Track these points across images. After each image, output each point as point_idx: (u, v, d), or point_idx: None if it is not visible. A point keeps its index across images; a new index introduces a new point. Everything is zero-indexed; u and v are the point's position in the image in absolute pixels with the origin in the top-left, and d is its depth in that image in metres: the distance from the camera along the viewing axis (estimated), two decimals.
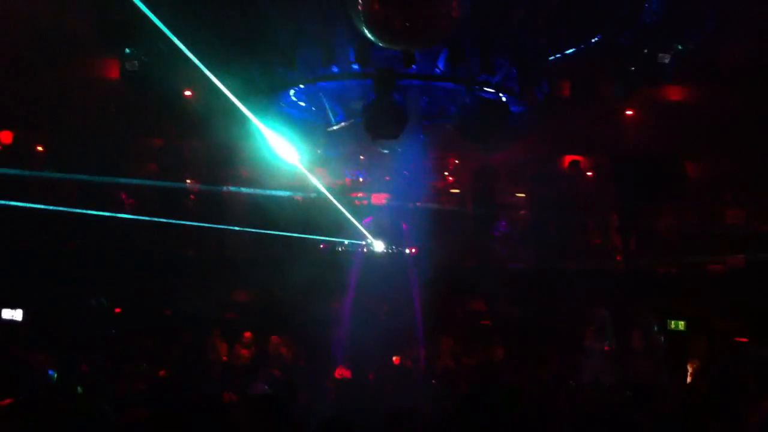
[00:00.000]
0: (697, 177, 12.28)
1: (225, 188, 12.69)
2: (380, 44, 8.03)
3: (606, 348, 9.51)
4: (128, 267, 11.64)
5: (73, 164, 11.23)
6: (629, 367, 9.55)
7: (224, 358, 11.33)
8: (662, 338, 9.82)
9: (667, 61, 8.38)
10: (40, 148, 12.72)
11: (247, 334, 11.39)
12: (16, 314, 12.31)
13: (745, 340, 10.55)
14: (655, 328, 9.90)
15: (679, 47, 8.67)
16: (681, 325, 11.58)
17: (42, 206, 10.53)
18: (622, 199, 12.51)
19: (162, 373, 9.30)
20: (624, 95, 9.03)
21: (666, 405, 6.83)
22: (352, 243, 13.62)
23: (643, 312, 10.01)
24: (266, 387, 8.29)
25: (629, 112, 11.32)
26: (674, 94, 10.65)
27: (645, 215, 12.45)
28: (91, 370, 9.08)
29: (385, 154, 12.15)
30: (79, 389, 7.76)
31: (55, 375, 8.13)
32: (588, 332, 9.68)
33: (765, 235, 11.25)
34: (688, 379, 9.16)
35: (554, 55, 8.89)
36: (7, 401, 6.37)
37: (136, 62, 8.88)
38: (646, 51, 8.33)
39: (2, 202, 9.85)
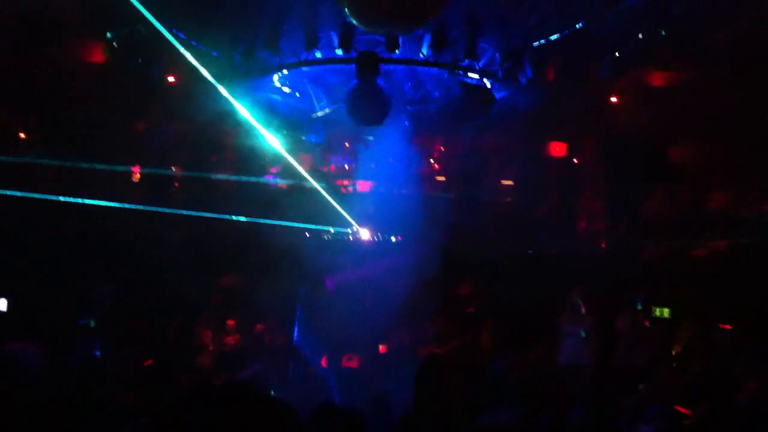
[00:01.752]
0: (684, 161, 12.29)
1: (209, 175, 12.62)
2: (364, 27, 8.01)
3: (582, 329, 9.54)
4: (115, 254, 11.58)
5: (56, 149, 11.15)
6: (613, 350, 9.59)
7: (210, 347, 11.29)
8: (647, 322, 9.85)
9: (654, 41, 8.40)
10: (22, 135, 12.59)
11: (231, 322, 11.34)
12: (0, 304, 12.22)
13: (728, 327, 10.61)
14: (640, 312, 9.94)
15: (662, 32, 8.68)
16: (666, 312, 11.63)
17: (24, 193, 10.44)
18: (608, 182, 12.54)
19: (149, 362, 9.26)
20: (610, 78, 9.02)
21: (649, 388, 6.86)
22: (338, 230, 13.60)
23: (627, 296, 10.05)
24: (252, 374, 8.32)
25: (614, 98, 11.29)
26: (661, 77, 10.63)
27: (631, 199, 12.47)
28: (81, 359, 9.04)
29: (370, 140, 12.12)
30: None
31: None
32: (564, 314, 9.72)
33: (750, 219, 11.29)
34: (673, 364, 9.21)
35: (540, 39, 8.86)
36: None
37: (116, 45, 8.80)
38: (631, 33, 8.32)
39: None
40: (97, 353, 9.58)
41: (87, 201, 11.06)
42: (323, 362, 11.11)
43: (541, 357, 9.28)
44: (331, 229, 13.42)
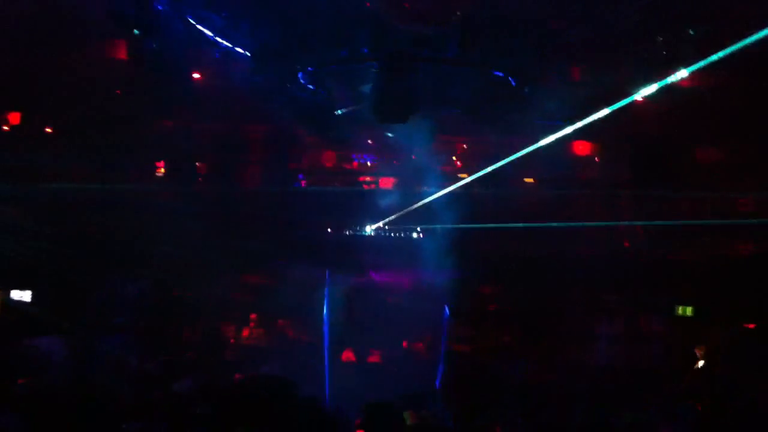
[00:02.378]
0: (709, 162, 12.20)
1: (237, 171, 12.69)
2: (391, 25, 8.01)
3: (615, 332, 9.54)
4: (137, 249, 11.68)
5: (83, 145, 11.25)
6: (639, 351, 9.57)
7: (232, 340, 11.40)
8: (672, 323, 9.83)
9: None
10: (48, 130, 12.71)
11: (253, 316, 11.46)
12: (24, 295, 12.36)
13: (752, 326, 10.55)
14: (665, 314, 9.91)
15: (691, 32, 8.60)
16: (689, 310, 11.58)
17: (52, 187, 10.56)
18: (632, 183, 12.45)
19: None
20: (638, 78, 8.95)
21: (676, 388, 6.84)
22: (362, 226, 13.62)
23: (653, 298, 10.02)
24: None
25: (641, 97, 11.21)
26: (688, 78, 10.54)
27: (656, 200, 12.39)
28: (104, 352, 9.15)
29: (394, 138, 12.11)
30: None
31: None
32: (598, 317, 9.71)
33: None
34: (698, 364, 9.17)
35: (567, 37, 8.80)
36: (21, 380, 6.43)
37: (145, 43, 8.86)
38: (659, 35, 8.26)
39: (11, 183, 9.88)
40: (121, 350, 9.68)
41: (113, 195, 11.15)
42: (344, 357, 11.17)
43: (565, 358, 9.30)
44: (356, 226, 13.45)
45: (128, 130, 11.27)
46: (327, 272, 11.48)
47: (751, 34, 6.89)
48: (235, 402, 4.29)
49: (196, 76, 10.61)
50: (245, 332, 11.30)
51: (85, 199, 11.04)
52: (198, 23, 8.78)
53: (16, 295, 12.36)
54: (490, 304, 11.87)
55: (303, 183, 13.16)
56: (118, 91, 10.57)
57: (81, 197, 10.99)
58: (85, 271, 11.04)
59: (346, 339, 10.89)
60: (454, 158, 14.10)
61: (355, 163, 13.93)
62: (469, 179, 11.99)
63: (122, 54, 9.76)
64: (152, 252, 11.58)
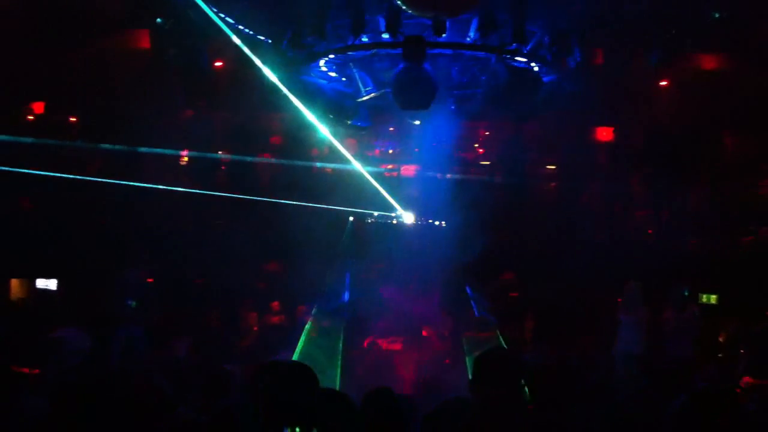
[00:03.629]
0: (731, 150, 12.06)
1: (255, 159, 12.74)
2: (410, 11, 7.98)
3: (636, 319, 9.45)
4: (161, 237, 11.78)
5: (106, 134, 11.36)
6: (661, 340, 9.51)
7: (255, 327, 11.47)
8: (695, 312, 9.73)
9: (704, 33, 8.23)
10: (72, 119, 12.84)
11: (275, 304, 11.52)
12: (50, 283, 12.52)
13: None
14: (689, 303, 9.81)
15: (716, 15, 8.49)
16: (713, 298, 11.47)
17: (75, 176, 10.65)
18: (654, 171, 12.35)
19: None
20: (658, 65, 8.85)
21: (698, 378, 6.78)
22: (382, 215, 13.62)
23: (674, 286, 9.92)
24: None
25: (663, 83, 11.11)
26: (709, 65, 10.43)
27: (678, 188, 12.28)
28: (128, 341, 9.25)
29: (415, 125, 12.08)
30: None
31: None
32: (619, 304, 9.63)
33: None
34: (720, 355, 9.10)
35: (589, 21, 8.72)
36: (36, 371, 6.51)
37: (167, 32, 8.93)
38: (681, 18, 8.16)
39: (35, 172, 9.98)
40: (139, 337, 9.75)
41: (131, 183, 11.23)
42: (365, 344, 11.18)
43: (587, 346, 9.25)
44: (376, 213, 13.45)
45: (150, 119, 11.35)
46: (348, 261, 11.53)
47: None
48: (255, 390, 4.27)
49: (218, 64, 10.67)
50: (265, 319, 11.37)
51: (105, 190, 11.14)
52: (220, 10, 8.82)
53: (41, 283, 12.52)
54: (511, 292, 11.82)
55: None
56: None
57: (101, 188, 11.08)
58: (104, 260, 11.16)
59: (368, 326, 10.90)
60: (476, 145, 14.09)
61: (378, 151, 13.96)
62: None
63: (145, 43, 9.82)
64: (173, 241, 11.69)
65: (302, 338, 9.63)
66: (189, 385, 5.66)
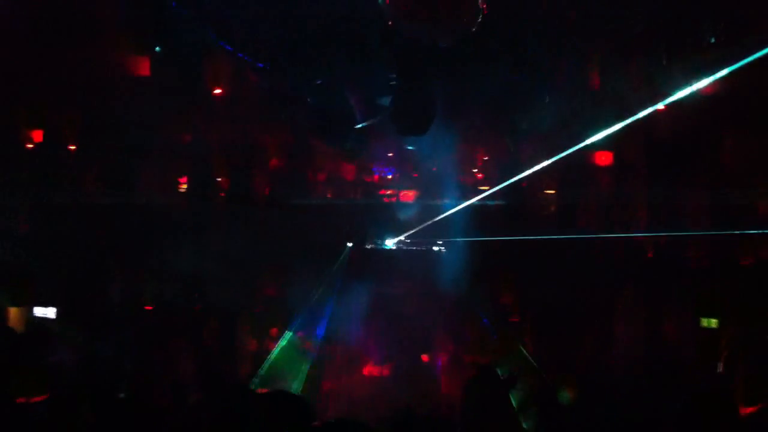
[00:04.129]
0: (729, 160, 12.02)
1: (253, 181, 12.74)
2: (407, 36, 8.02)
3: (634, 329, 9.42)
4: (158, 264, 11.76)
5: (105, 160, 11.36)
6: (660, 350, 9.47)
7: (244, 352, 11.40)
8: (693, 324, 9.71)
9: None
10: (72, 147, 12.86)
11: (274, 330, 11.47)
12: (48, 312, 12.45)
13: None
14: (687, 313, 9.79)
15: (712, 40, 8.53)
16: (713, 322, 11.41)
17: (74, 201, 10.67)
18: (653, 185, 12.31)
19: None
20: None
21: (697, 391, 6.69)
22: (380, 241, 13.63)
23: (673, 297, 9.91)
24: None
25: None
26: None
27: (676, 202, 12.24)
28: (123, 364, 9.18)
29: (413, 150, 12.12)
30: None
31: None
32: (616, 315, 9.60)
33: None
34: (720, 369, 9.04)
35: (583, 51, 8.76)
36: (40, 398, 6.46)
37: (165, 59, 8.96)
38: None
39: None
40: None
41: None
42: (365, 371, 11.13)
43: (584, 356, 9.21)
44: (376, 239, 13.45)
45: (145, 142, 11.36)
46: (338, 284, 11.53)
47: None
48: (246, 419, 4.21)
49: (217, 91, 10.72)
50: (257, 343, 11.32)
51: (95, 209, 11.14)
52: (216, 36, 8.86)
53: (39, 311, 12.46)
54: (511, 315, 11.79)
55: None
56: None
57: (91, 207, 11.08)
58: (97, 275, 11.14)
59: (360, 351, 10.87)
60: (475, 170, 14.09)
61: (376, 176, 13.97)
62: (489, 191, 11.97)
63: (144, 70, 9.85)
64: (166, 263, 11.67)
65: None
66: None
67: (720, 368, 8.94)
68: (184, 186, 12.77)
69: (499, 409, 3.75)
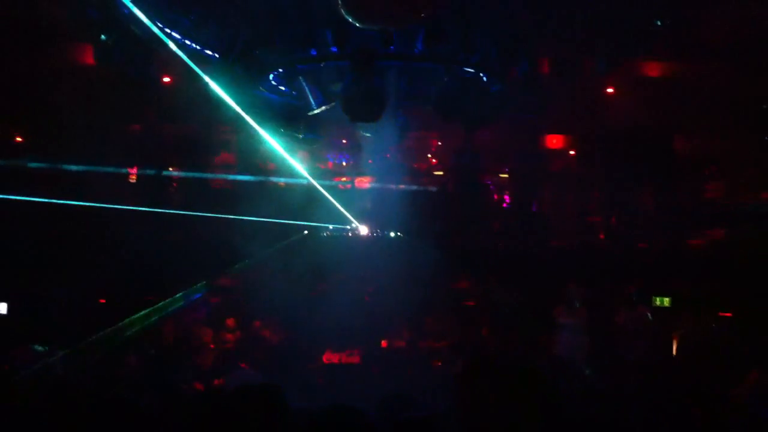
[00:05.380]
0: (680, 153, 12.30)
1: (207, 175, 12.62)
2: (358, 24, 7.97)
3: (576, 322, 9.50)
4: (111, 256, 11.58)
5: (53, 153, 11.14)
6: (613, 343, 9.59)
7: (212, 345, 11.30)
8: (648, 314, 9.84)
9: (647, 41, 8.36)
10: (19, 139, 12.59)
11: (230, 321, 11.38)
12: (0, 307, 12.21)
13: (728, 314, 10.64)
14: (640, 305, 9.92)
15: (658, 23, 8.64)
16: (666, 301, 11.64)
17: (22, 198, 10.44)
18: (605, 176, 12.54)
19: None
20: (605, 71, 9.00)
21: (650, 380, 6.86)
22: (337, 227, 13.60)
23: (626, 288, 10.04)
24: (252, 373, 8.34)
25: (610, 90, 11.28)
26: (656, 69, 10.62)
27: (628, 192, 12.48)
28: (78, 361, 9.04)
29: (367, 137, 12.10)
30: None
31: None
32: (559, 308, 9.68)
33: (746, 209, 11.31)
34: (673, 353, 9.22)
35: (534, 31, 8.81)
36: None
37: (111, 48, 8.77)
38: (625, 25, 8.29)
39: None
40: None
41: (83, 203, 11.06)
42: (324, 358, 11.13)
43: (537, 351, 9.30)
44: (331, 226, 13.42)
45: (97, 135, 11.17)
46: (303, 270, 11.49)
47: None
48: (216, 412, 4.17)
49: (166, 79, 10.54)
50: (220, 336, 11.22)
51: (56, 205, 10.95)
52: (166, 26, 8.72)
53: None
54: (467, 300, 11.89)
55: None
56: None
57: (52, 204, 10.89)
58: (53, 275, 10.97)
59: (324, 339, 10.86)
60: (429, 155, 14.16)
61: (330, 163, 13.95)
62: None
63: (89, 58, 9.65)
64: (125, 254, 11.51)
65: None
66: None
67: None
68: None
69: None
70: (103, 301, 12.11)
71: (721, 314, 10.61)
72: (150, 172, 12.58)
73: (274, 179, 12.93)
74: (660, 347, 9.40)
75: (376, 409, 4.43)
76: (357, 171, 13.80)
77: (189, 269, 11.64)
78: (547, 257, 11.69)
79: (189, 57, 8.99)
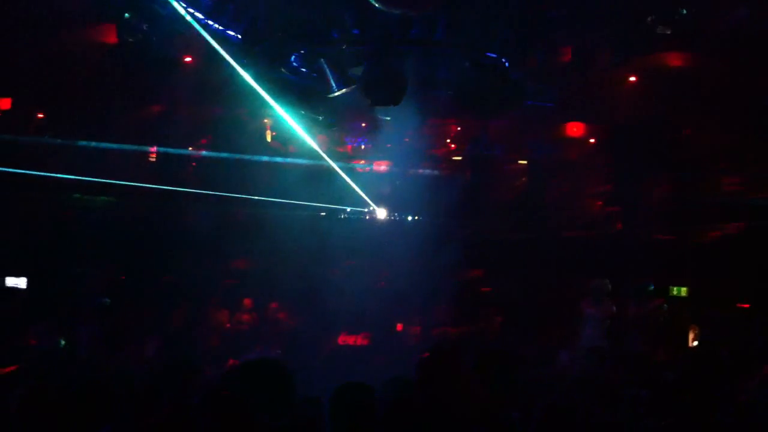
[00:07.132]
0: (696, 145, 12.20)
1: (226, 155, 12.64)
2: (379, 7, 7.96)
3: (602, 315, 9.48)
4: (129, 235, 11.68)
5: (73, 131, 11.21)
6: (622, 335, 9.58)
7: (227, 324, 11.40)
8: (661, 306, 9.80)
9: (668, 31, 8.28)
10: (40, 115, 12.66)
11: (247, 301, 11.46)
12: (20, 282, 12.35)
13: (746, 306, 10.60)
14: (651, 297, 9.88)
15: (683, 11, 8.55)
16: (683, 291, 11.58)
17: (43, 173, 10.53)
18: (620, 167, 12.47)
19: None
20: (623, 62, 8.94)
21: (659, 373, 6.83)
22: (354, 210, 13.64)
23: (637, 281, 10.01)
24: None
25: (631, 79, 11.19)
26: (673, 61, 10.52)
27: (643, 183, 12.41)
28: (92, 339, 9.14)
29: (386, 120, 12.08)
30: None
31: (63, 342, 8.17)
32: (584, 300, 9.66)
33: (762, 202, 11.22)
34: (690, 345, 9.19)
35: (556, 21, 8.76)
36: (10, 368, 6.45)
37: (134, 27, 8.80)
38: (646, 16, 8.22)
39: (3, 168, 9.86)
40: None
41: (101, 180, 11.15)
42: (339, 340, 11.20)
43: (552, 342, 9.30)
44: (348, 209, 13.45)
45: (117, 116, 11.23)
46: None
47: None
48: (230, 389, 4.23)
49: (187, 59, 10.57)
50: (236, 317, 11.32)
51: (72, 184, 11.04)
52: (189, 5, 8.73)
53: (11, 281, 12.36)
54: (480, 287, 11.92)
55: None
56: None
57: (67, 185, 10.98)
58: (67, 255, 11.08)
59: (339, 322, 10.93)
60: (447, 141, 14.11)
61: (349, 146, 13.94)
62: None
63: (111, 38, 9.68)
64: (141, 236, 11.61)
65: None
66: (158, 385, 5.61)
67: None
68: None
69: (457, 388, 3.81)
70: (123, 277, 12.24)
71: (738, 306, 10.59)
72: (167, 151, 12.64)
73: (291, 161, 12.95)
74: (673, 339, 9.37)
75: (382, 389, 4.48)
76: (375, 154, 13.80)
77: (203, 250, 11.72)
78: (562, 248, 11.64)
79: (211, 37, 9.02)
